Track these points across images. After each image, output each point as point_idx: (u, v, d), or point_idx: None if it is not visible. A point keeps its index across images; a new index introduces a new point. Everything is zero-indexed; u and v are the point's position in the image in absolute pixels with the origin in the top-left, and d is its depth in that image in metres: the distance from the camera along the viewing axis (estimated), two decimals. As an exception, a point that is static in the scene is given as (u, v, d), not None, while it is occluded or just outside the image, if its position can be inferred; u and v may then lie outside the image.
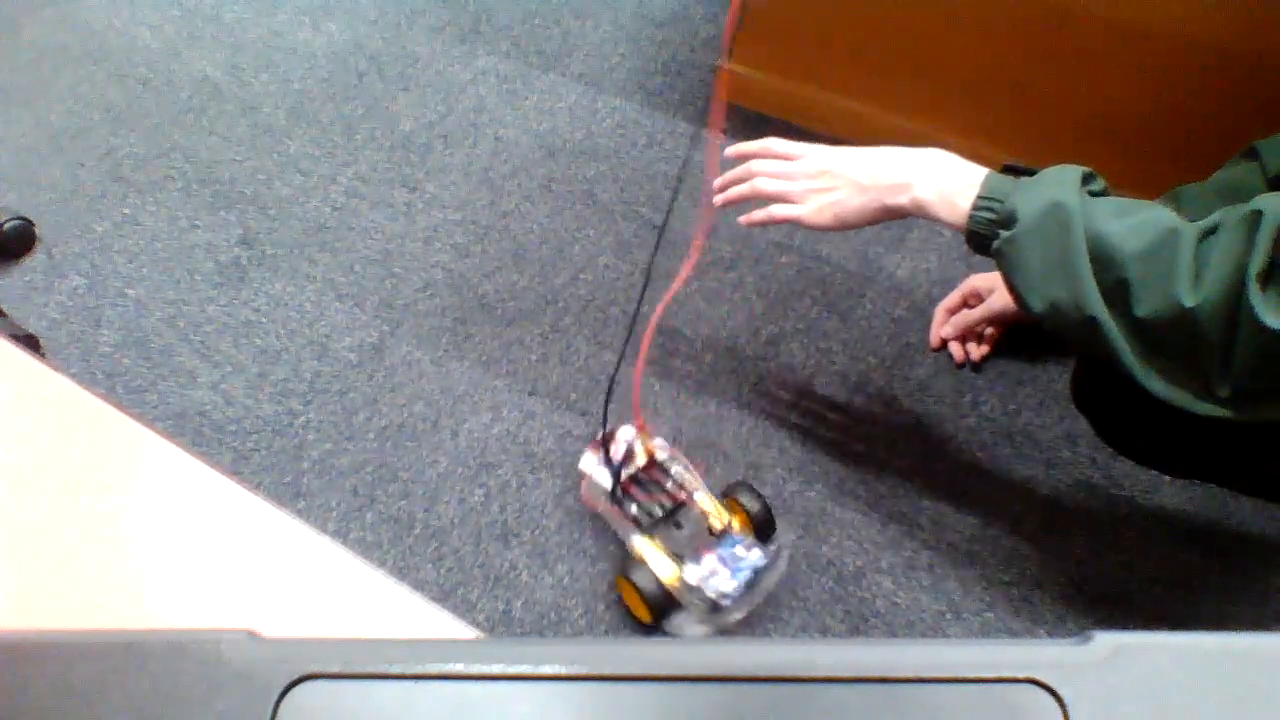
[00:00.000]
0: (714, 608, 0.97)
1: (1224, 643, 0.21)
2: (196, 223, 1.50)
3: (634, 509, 1.03)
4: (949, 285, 1.35)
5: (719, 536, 1.02)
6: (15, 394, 0.54)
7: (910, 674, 0.20)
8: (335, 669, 0.21)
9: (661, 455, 1.07)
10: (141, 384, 1.30)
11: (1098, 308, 0.71)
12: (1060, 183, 0.76)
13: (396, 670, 0.21)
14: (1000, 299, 1.19)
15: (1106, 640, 0.21)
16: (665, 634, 1.00)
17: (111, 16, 1.86)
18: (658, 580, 0.98)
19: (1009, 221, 0.77)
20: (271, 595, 0.46)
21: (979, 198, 0.80)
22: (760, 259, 1.40)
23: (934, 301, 1.34)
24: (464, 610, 1.08)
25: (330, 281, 1.41)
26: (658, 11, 1.81)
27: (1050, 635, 1.06)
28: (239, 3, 1.88)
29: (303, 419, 1.25)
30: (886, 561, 1.10)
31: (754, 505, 1.06)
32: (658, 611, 0.99)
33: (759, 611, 1.06)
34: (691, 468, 1.08)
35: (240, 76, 1.73)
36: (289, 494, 1.18)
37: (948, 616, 1.07)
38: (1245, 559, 1.10)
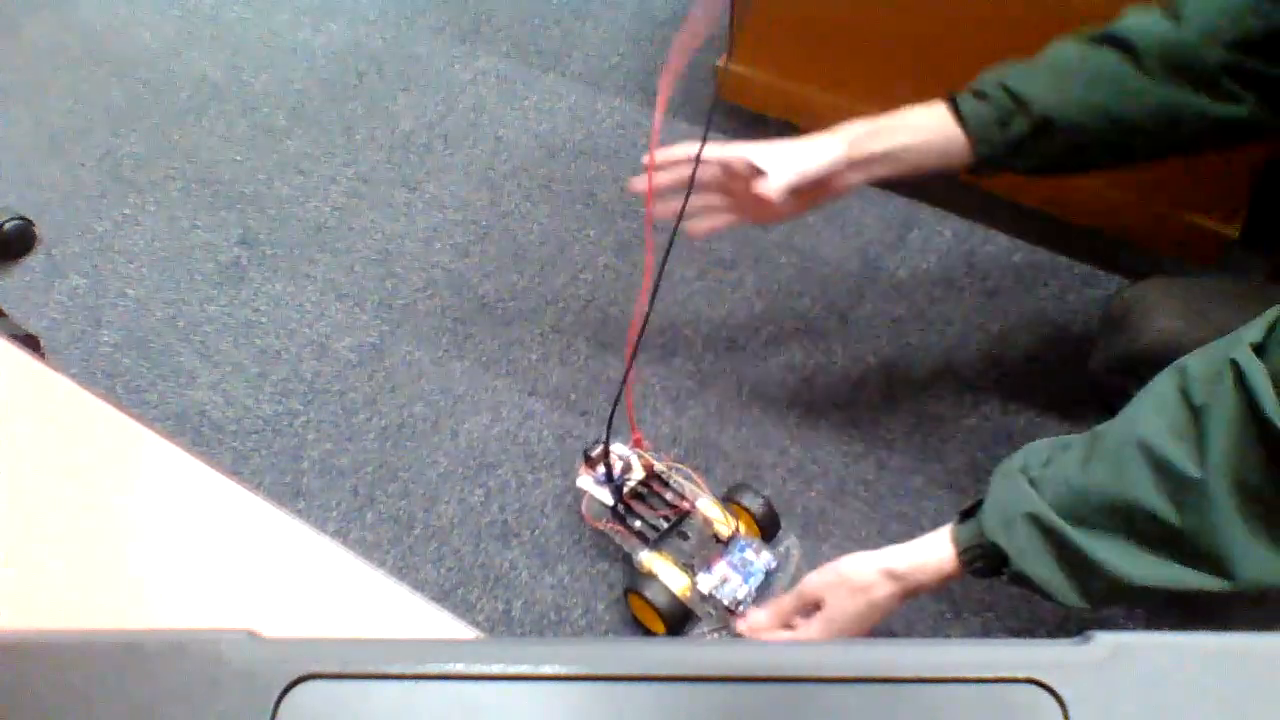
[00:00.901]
0: (730, 615, 0.97)
1: (1224, 643, 0.21)
2: (196, 223, 1.50)
3: (638, 524, 1.03)
4: (949, 285, 1.35)
5: (726, 543, 1.01)
6: (15, 394, 0.54)
7: (910, 674, 0.20)
8: (335, 669, 0.21)
9: (660, 467, 1.07)
10: (141, 384, 1.30)
11: (1138, 568, 0.67)
12: (1013, 493, 0.73)
13: (396, 670, 0.21)
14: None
15: (1106, 640, 0.21)
16: None
17: (111, 16, 1.86)
18: (670, 593, 0.97)
19: (1003, 559, 0.73)
20: (271, 595, 0.46)
21: (960, 554, 0.77)
22: (760, 259, 1.40)
23: (934, 302, 1.34)
24: (464, 610, 1.08)
25: (330, 281, 1.41)
26: (658, 11, 1.81)
27: (1050, 635, 1.06)
28: (239, 3, 1.88)
29: (303, 419, 1.25)
30: (886, 561, 1.10)
31: (757, 506, 1.05)
32: (673, 624, 0.98)
33: (759, 611, 1.06)
34: (692, 475, 1.07)
35: (240, 76, 1.73)
36: (289, 494, 1.18)
37: (948, 616, 1.07)
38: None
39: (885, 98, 1.48)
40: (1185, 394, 0.67)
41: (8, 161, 1.60)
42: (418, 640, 0.22)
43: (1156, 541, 0.67)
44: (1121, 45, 0.81)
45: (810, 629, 0.84)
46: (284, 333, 1.35)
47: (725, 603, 0.97)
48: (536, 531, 1.14)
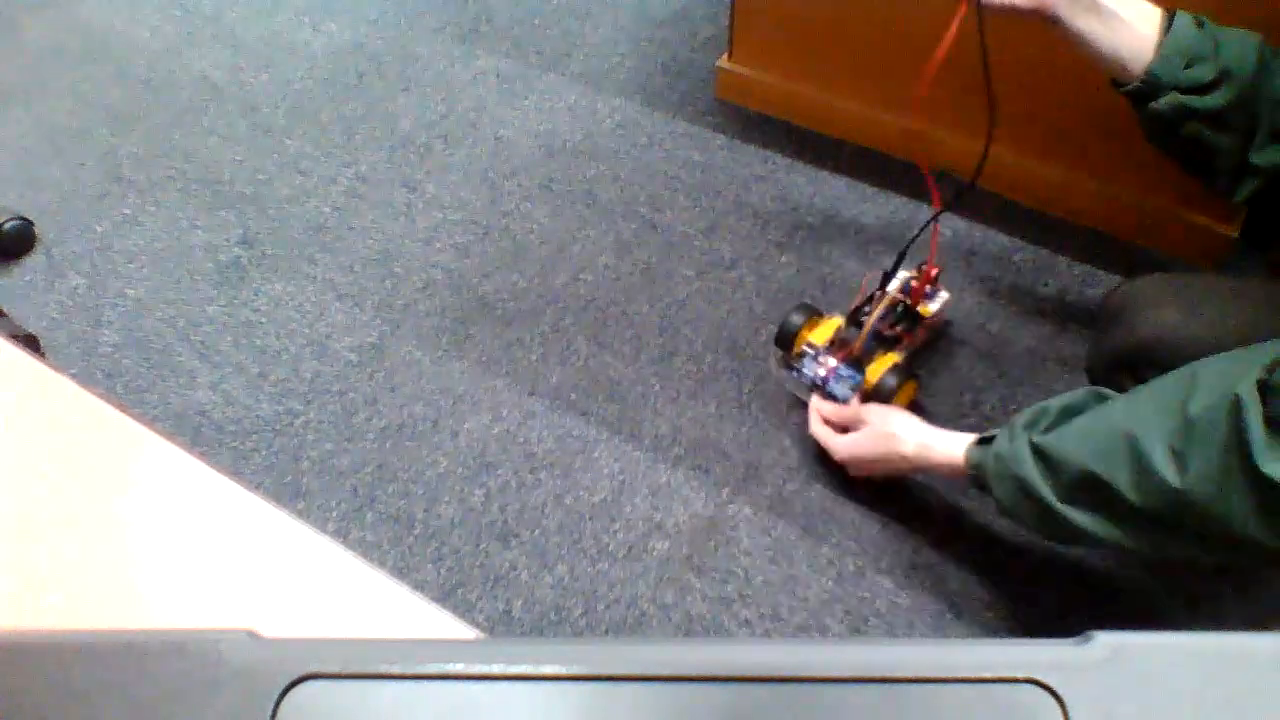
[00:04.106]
0: (808, 388, 1.20)
1: (1223, 643, 0.21)
2: (196, 223, 1.50)
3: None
4: (949, 285, 1.35)
5: (851, 360, 1.18)
6: (15, 394, 0.54)
7: (910, 674, 0.20)
8: (335, 669, 0.21)
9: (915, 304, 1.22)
10: (141, 384, 1.30)
11: (1110, 535, 0.78)
12: (1014, 452, 0.84)
13: (396, 670, 0.21)
14: None
15: (1106, 640, 0.21)
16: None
17: (111, 16, 1.86)
18: (798, 330, 1.20)
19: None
20: (271, 595, 0.46)
21: (965, 468, 0.94)
22: (760, 259, 1.40)
23: (934, 301, 1.34)
24: (464, 610, 1.08)
25: (330, 281, 1.41)
26: (658, 11, 1.81)
27: (1050, 635, 1.06)
28: (239, 3, 1.88)
29: (303, 419, 1.25)
30: (886, 561, 1.10)
31: (902, 393, 1.15)
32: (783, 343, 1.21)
33: (760, 612, 1.06)
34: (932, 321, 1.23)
35: (240, 76, 1.73)
36: (289, 494, 1.18)
37: (948, 616, 1.07)
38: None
39: (885, 98, 1.48)
40: (1186, 404, 0.69)
41: (8, 161, 1.60)
42: (418, 640, 0.22)
43: (1129, 520, 0.76)
44: None
45: (841, 440, 1.10)
46: (284, 333, 1.35)
47: (805, 376, 1.19)
48: (536, 531, 1.14)
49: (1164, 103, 0.83)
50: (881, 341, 1.20)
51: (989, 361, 1.27)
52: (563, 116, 1.63)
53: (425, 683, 0.21)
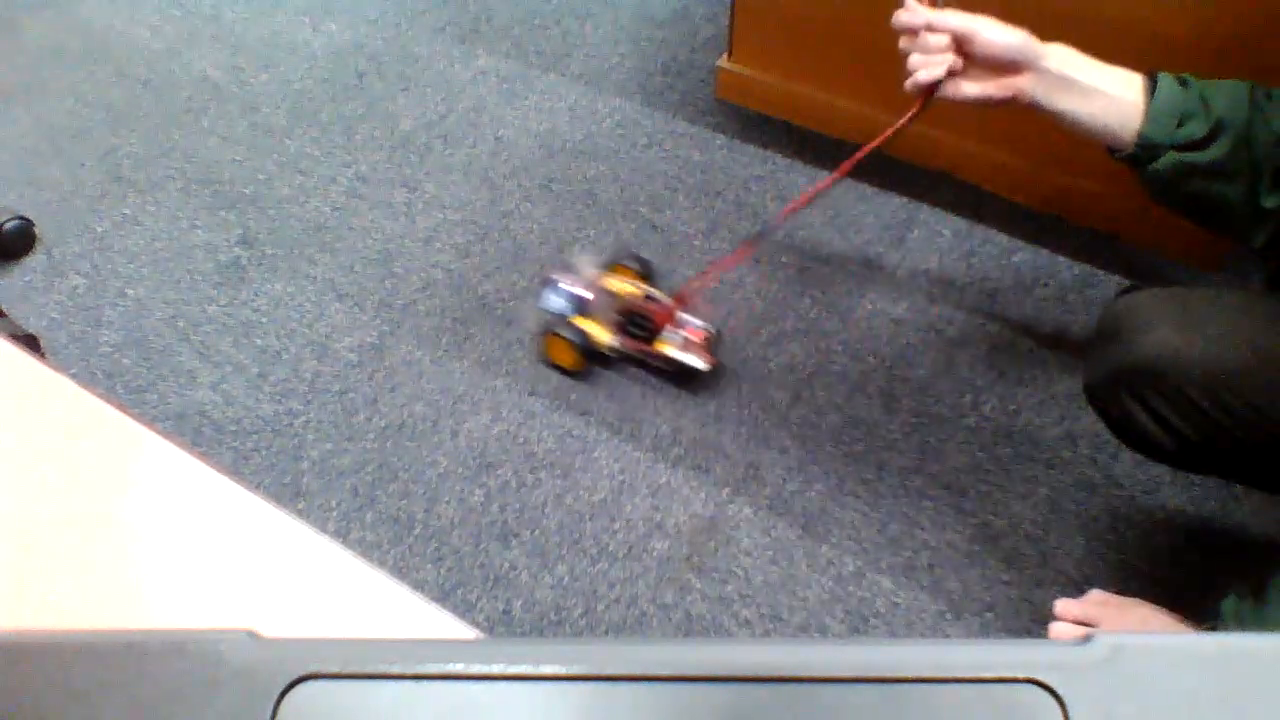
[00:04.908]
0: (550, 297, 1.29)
1: (1223, 643, 0.21)
2: (196, 223, 1.50)
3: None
4: (949, 285, 1.35)
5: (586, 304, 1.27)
6: (15, 394, 0.54)
7: (910, 674, 0.20)
8: (335, 669, 0.21)
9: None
10: (141, 384, 1.30)
11: None
12: None
13: (396, 670, 0.21)
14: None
15: (1106, 640, 0.21)
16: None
17: (111, 16, 1.86)
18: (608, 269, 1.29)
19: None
20: (271, 595, 0.46)
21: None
22: (760, 259, 1.40)
23: (934, 301, 1.34)
24: (464, 610, 1.08)
25: (330, 281, 1.41)
26: (658, 11, 1.81)
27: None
28: (239, 3, 1.88)
29: (303, 419, 1.25)
30: (886, 561, 1.11)
31: (561, 354, 1.26)
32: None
33: (760, 612, 1.06)
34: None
35: (240, 76, 1.73)
36: (289, 494, 1.18)
37: (948, 616, 1.07)
38: (1245, 558, 1.10)
39: (885, 98, 1.48)
40: None
41: (8, 161, 1.60)
42: (418, 640, 0.22)
43: None
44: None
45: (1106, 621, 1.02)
46: (284, 333, 1.35)
47: (556, 292, 1.28)
48: (536, 531, 1.14)
49: (1162, 164, 0.82)
50: (635, 326, 1.25)
51: (989, 361, 1.27)
52: (563, 116, 1.63)
53: (425, 683, 0.21)
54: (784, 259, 1.40)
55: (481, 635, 0.51)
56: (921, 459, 1.19)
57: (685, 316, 1.25)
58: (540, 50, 1.75)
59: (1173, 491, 1.15)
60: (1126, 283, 1.33)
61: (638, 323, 1.24)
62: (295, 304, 1.38)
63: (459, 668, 0.21)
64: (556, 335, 1.24)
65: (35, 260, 1.45)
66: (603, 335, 1.25)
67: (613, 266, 1.31)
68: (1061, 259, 1.38)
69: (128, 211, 1.52)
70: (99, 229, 1.49)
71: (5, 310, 1.30)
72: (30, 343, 1.23)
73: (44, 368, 0.55)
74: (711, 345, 1.25)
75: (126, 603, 0.45)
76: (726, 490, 1.17)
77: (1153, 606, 0.99)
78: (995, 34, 0.84)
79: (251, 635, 0.22)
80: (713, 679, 0.21)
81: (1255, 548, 1.12)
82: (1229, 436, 0.85)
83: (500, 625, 1.07)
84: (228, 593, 0.46)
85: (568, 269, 1.30)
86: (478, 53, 1.75)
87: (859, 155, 0.95)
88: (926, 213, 1.44)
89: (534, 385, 1.27)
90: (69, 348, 1.34)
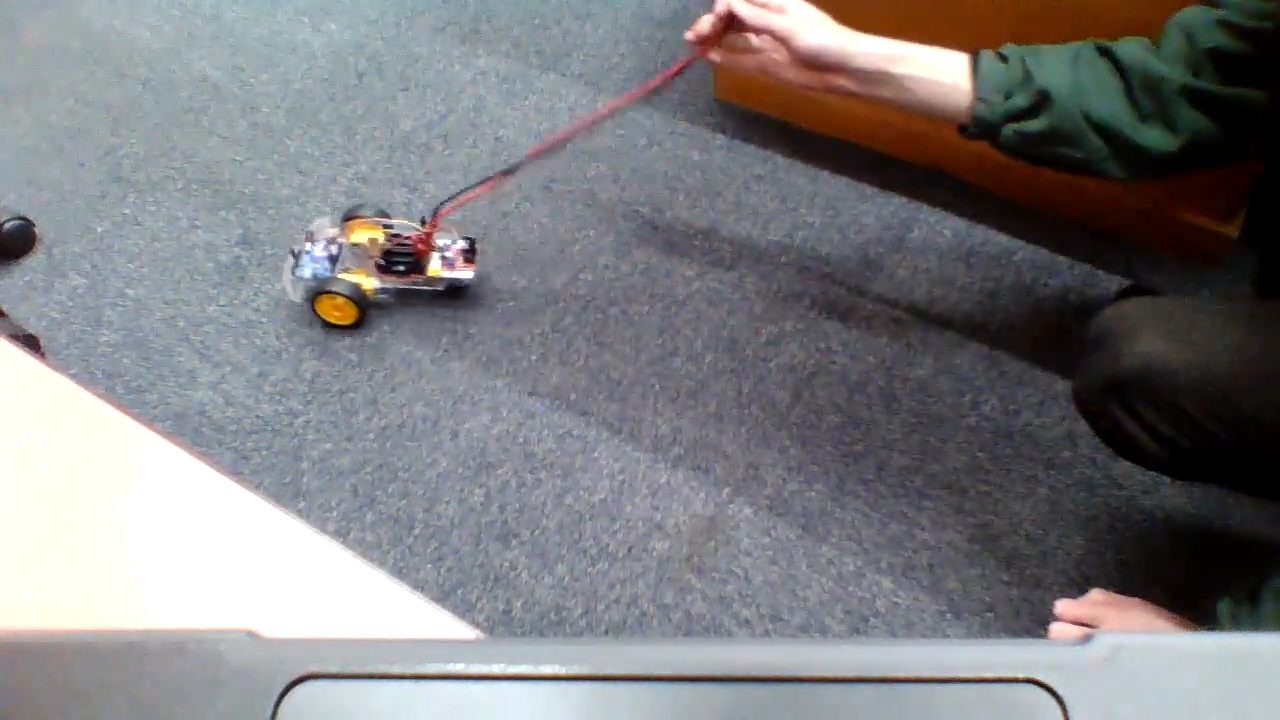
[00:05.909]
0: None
1: (1223, 644, 0.21)
2: (196, 223, 1.50)
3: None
4: (949, 285, 1.35)
5: (331, 257, 1.35)
6: (15, 394, 0.54)
7: (910, 674, 0.20)
8: (335, 669, 0.21)
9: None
10: (141, 384, 1.30)
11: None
12: None
13: (396, 670, 0.21)
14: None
15: (1106, 640, 0.21)
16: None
17: (111, 16, 1.86)
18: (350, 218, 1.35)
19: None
20: (271, 595, 0.46)
21: None
22: (760, 259, 1.40)
23: (934, 301, 1.34)
24: (464, 610, 1.08)
25: (330, 281, 1.41)
26: (658, 11, 1.81)
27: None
28: (239, 3, 1.88)
29: (303, 419, 1.25)
30: (886, 561, 1.11)
31: (333, 309, 1.32)
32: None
33: (760, 612, 1.06)
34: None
35: (240, 76, 1.73)
36: (289, 494, 1.18)
37: (948, 616, 1.07)
38: (1245, 559, 1.10)
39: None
40: None
41: (8, 161, 1.60)
42: (418, 640, 0.22)
43: None
44: (1116, 63, 0.83)
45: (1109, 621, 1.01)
46: (284, 333, 1.35)
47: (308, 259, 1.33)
48: (536, 531, 1.14)
49: (1004, 136, 0.86)
50: (398, 263, 1.31)
51: (989, 361, 1.27)
52: (563, 116, 1.63)
53: (425, 683, 0.21)
54: (783, 259, 1.40)
55: (481, 635, 0.51)
56: (921, 459, 1.19)
57: (441, 240, 1.33)
58: (540, 50, 1.75)
59: (1173, 491, 1.15)
60: (1127, 283, 1.33)
61: (399, 259, 1.31)
62: (295, 304, 1.38)
63: (459, 668, 0.21)
64: (327, 294, 1.29)
65: (35, 260, 1.45)
66: (371, 281, 1.32)
67: (351, 221, 1.35)
68: (1061, 259, 1.38)
69: (128, 211, 1.52)
70: (99, 229, 1.49)
71: (5, 310, 1.30)
72: (30, 343, 1.23)
73: (44, 368, 0.55)
74: (472, 255, 1.34)
75: (126, 603, 0.45)
76: (726, 490, 1.17)
77: (1153, 606, 0.99)
78: (809, 37, 0.91)
79: (251, 635, 0.22)
80: (713, 679, 0.21)
81: (1255, 548, 1.12)
82: (1220, 444, 0.85)
83: (500, 625, 1.07)
84: (228, 593, 0.46)
85: (310, 237, 1.35)
86: (478, 53, 1.75)
87: (631, 96, 1.10)
88: (926, 213, 1.44)
89: (534, 385, 1.27)
90: (69, 348, 1.34)
